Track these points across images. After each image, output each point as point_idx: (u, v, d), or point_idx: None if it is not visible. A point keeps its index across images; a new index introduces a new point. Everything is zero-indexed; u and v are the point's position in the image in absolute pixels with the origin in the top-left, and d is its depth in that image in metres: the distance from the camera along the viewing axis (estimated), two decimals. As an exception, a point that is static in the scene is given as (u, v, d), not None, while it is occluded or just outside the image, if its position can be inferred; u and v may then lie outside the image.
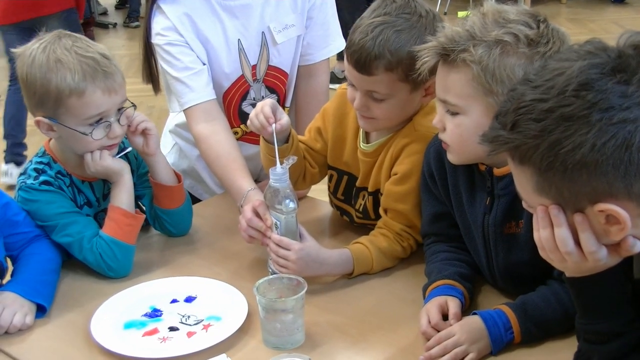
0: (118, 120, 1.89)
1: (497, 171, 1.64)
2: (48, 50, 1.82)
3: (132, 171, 2.05)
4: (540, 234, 1.23)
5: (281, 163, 1.75)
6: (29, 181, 1.91)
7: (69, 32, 1.89)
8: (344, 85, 1.94)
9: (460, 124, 1.58)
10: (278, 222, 1.79)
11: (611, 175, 1.10)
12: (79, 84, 1.80)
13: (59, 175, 1.95)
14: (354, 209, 2.03)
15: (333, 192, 2.08)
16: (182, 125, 2.36)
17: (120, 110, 1.90)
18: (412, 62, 1.69)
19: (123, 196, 1.92)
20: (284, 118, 1.86)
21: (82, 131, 1.85)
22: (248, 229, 1.86)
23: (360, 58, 1.75)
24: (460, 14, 7.93)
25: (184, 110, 2.20)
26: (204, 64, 2.17)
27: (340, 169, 2.03)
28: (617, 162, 1.09)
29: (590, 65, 1.12)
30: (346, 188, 2.03)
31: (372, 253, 1.85)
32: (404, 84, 1.77)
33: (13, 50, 1.90)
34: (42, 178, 1.91)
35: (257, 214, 1.84)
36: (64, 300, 1.83)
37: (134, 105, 1.94)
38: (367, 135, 1.95)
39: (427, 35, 1.70)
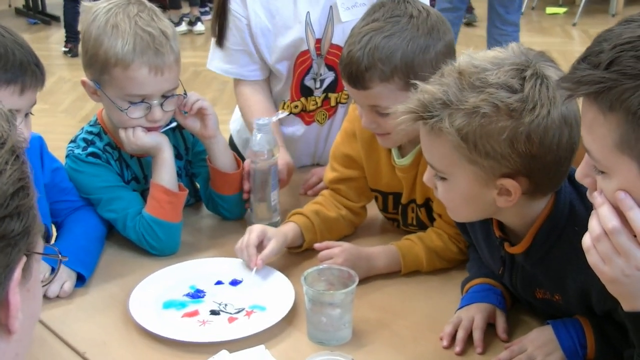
0: (161, 105, 1.79)
1: (509, 249, 1.48)
2: (110, 13, 1.75)
3: (187, 148, 1.99)
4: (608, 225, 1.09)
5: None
6: (77, 151, 1.86)
7: (142, 0, 1.81)
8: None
9: (449, 189, 1.41)
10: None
11: None
12: (126, 55, 1.72)
13: (107, 148, 1.89)
14: (407, 223, 1.90)
15: (383, 209, 1.95)
16: None
17: (167, 96, 1.80)
18: (410, 68, 1.59)
19: (163, 172, 1.83)
20: (269, 248, 1.72)
21: (119, 105, 1.77)
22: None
23: (351, 72, 1.63)
24: (549, 10, 7.70)
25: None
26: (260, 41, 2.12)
27: (383, 191, 1.90)
28: None
29: None
30: (394, 204, 1.91)
31: (422, 250, 1.75)
32: (407, 92, 1.54)
33: (84, 2, 1.84)
34: (90, 149, 1.86)
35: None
36: (105, 272, 1.78)
37: (185, 94, 1.85)
38: (400, 148, 1.80)
39: (422, 35, 1.60)
